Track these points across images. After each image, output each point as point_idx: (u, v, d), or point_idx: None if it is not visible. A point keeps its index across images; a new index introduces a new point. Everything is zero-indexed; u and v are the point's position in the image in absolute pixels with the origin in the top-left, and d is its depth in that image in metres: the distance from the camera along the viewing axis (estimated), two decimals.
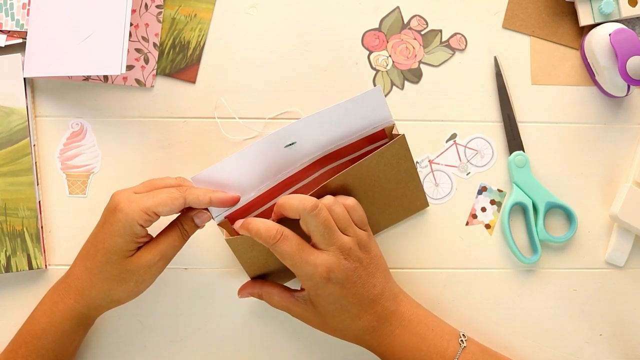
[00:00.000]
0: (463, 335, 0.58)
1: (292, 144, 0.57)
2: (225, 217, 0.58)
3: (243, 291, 0.62)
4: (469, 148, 0.68)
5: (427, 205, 0.67)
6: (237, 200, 0.57)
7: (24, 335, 0.58)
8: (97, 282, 0.56)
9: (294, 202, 0.54)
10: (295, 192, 0.61)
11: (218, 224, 0.58)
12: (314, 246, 0.55)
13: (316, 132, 0.58)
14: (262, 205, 0.61)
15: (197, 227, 0.58)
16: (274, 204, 0.57)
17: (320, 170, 0.61)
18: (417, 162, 0.68)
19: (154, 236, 0.58)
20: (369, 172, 0.60)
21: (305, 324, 0.59)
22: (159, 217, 0.55)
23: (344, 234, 0.55)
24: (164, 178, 0.60)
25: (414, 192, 0.65)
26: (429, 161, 0.68)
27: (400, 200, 0.65)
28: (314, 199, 0.54)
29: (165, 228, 0.58)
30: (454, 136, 0.68)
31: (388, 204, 0.64)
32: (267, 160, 0.57)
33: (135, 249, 0.56)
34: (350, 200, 0.57)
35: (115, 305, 0.59)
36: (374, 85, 0.69)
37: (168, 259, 0.58)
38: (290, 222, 0.56)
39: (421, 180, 0.67)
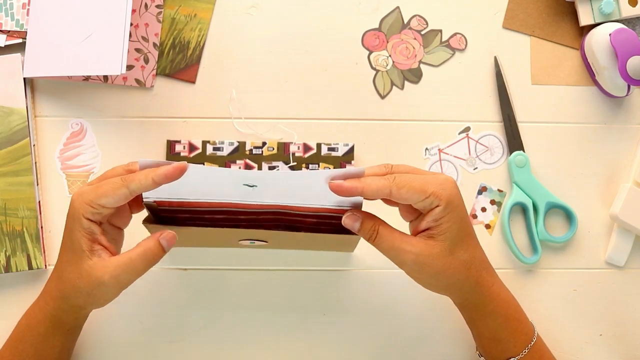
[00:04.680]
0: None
1: (253, 186, 0.53)
2: (155, 202, 0.55)
3: (352, 217, 0.53)
4: (480, 144, 0.68)
5: (352, 251, 0.66)
6: (183, 170, 0.50)
7: (9, 339, 0.58)
8: (60, 284, 0.55)
9: (374, 185, 0.51)
10: (234, 218, 0.57)
11: (144, 223, 0.55)
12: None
13: (282, 188, 0.53)
14: (194, 206, 0.56)
15: (164, 250, 0.54)
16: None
17: (266, 209, 0.56)
18: (426, 149, 0.68)
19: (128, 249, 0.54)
20: (312, 241, 0.59)
21: (419, 271, 0.54)
22: (108, 209, 0.53)
23: None
24: (115, 168, 0.56)
25: (347, 246, 0.64)
26: (439, 149, 0.68)
27: (330, 245, 0.64)
28: (381, 177, 0.52)
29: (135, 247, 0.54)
30: (467, 129, 0.68)
31: (316, 247, 0.64)
32: (220, 185, 0.53)
33: (90, 248, 0.53)
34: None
35: (80, 311, 0.57)
36: (374, 85, 0.69)
37: (123, 281, 0.53)
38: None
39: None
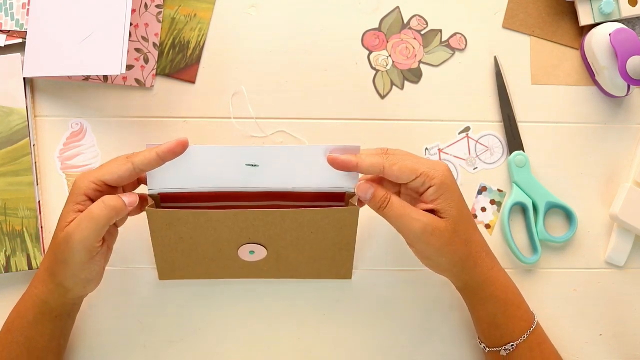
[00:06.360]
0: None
1: (255, 165, 0.55)
2: (159, 195, 0.56)
3: (365, 186, 0.56)
4: (480, 144, 0.68)
5: (350, 277, 0.66)
6: (185, 144, 0.54)
7: (1, 331, 0.59)
8: (47, 262, 0.56)
9: (368, 160, 0.54)
10: (233, 207, 0.58)
11: (147, 208, 0.56)
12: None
13: (283, 165, 0.56)
14: (197, 201, 0.58)
15: (125, 205, 0.54)
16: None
17: (266, 202, 0.59)
18: (426, 149, 0.68)
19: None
20: (311, 223, 0.58)
21: (427, 242, 0.55)
22: (112, 188, 0.55)
23: None
24: (118, 157, 0.57)
25: (343, 260, 0.63)
26: (439, 149, 0.68)
27: (327, 262, 0.63)
28: (376, 155, 0.55)
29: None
30: (467, 129, 0.68)
31: (314, 260, 0.63)
32: (223, 168, 0.55)
33: (73, 219, 0.54)
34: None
35: (66, 292, 0.56)
36: (374, 85, 0.69)
37: (85, 230, 0.53)
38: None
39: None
